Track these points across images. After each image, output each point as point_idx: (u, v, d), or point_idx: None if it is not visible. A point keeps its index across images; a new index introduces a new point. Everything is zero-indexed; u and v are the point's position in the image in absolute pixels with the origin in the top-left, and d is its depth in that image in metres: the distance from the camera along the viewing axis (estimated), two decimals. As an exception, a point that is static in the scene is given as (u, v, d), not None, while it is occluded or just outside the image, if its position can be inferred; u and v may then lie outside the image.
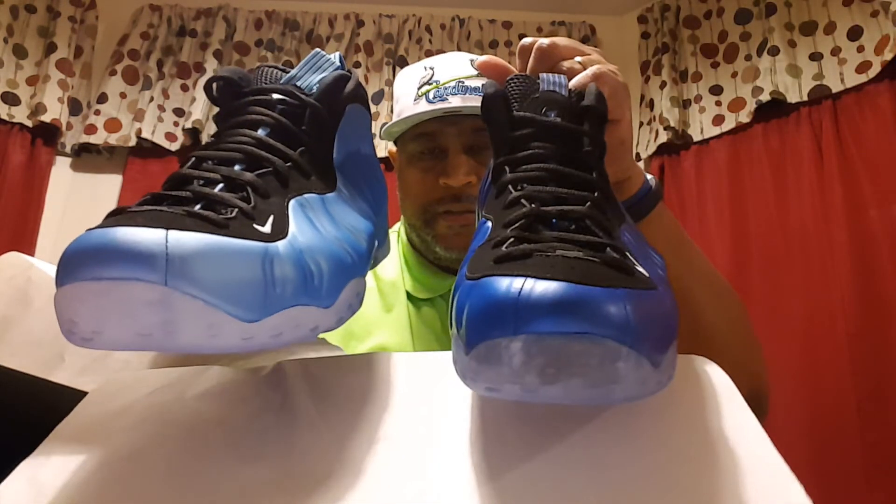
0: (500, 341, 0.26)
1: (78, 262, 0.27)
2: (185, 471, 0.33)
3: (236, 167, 0.34)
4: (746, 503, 0.29)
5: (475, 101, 0.75)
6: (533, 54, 0.47)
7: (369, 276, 0.83)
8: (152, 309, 0.26)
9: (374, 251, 0.41)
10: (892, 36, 1.56)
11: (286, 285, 0.30)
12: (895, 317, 1.46)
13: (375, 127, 1.95)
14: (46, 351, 0.40)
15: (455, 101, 0.75)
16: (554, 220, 0.32)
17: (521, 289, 0.26)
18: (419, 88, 0.78)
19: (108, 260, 0.26)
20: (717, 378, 0.36)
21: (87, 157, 1.93)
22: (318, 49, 0.42)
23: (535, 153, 0.36)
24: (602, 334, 0.26)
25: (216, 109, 0.40)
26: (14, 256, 0.38)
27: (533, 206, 0.33)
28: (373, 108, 1.97)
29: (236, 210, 0.30)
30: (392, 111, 2.04)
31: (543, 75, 0.41)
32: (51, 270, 0.39)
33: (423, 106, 0.76)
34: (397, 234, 0.89)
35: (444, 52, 0.84)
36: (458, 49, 1.98)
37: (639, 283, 0.28)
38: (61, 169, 1.90)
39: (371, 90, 1.99)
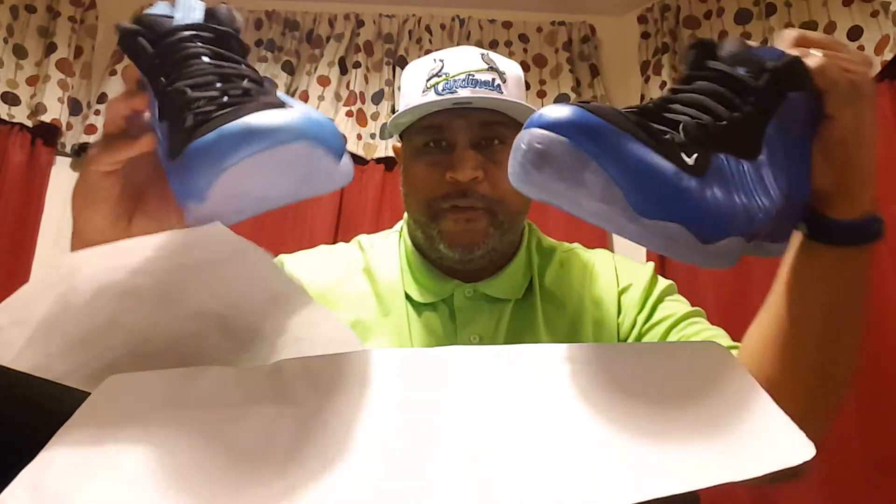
0: (522, 133, 0.37)
1: (235, 146, 0.36)
2: (188, 472, 0.33)
3: (217, 85, 0.42)
4: (754, 452, 0.30)
5: (485, 95, 0.74)
6: (782, 38, 0.47)
7: (364, 280, 0.81)
8: (302, 161, 0.38)
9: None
10: (892, 36, 1.56)
11: (337, 134, 0.41)
12: (895, 317, 1.46)
13: (376, 127, 1.95)
14: (76, 351, 0.41)
15: (464, 94, 0.74)
16: (657, 124, 0.38)
17: (552, 106, 0.36)
18: (428, 80, 0.76)
19: (262, 136, 0.36)
20: (721, 354, 0.37)
21: (87, 157, 1.93)
22: None
23: (698, 86, 0.42)
24: (580, 146, 0.34)
25: None
26: (68, 259, 0.39)
27: (654, 104, 0.40)
28: (373, 108, 1.97)
29: (274, 101, 0.40)
30: (393, 111, 2.04)
31: (765, 47, 0.44)
32: (98, 269, 0.40)
33: (432, 97, 0.75)
34: (399, 233, 0.88)
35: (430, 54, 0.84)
36: (458, 49, 1.97)
37: (663, 150, 0.35)
38: (61, 169, 1.89)
39: (371, 90, 1.99)
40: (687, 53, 0.45)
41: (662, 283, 0.80)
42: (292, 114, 0.38)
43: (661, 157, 0.35)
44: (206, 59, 0.45)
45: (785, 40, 0.47)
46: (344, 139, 0.46)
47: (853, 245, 0.51)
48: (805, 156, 0.44)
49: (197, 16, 0.47)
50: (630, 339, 0.77)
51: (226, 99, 0.40)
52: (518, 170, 0.37)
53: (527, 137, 0.36)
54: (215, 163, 0.37)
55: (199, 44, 0.45)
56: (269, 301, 0.43)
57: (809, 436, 0.33)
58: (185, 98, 0.41)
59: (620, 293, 0.79)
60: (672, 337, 0.73)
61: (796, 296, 0.54)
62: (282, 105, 0.40)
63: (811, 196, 0.47)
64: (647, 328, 0.76)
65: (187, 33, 0.45)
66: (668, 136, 0.36)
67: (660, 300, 0.77)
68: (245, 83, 0.43)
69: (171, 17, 0.47)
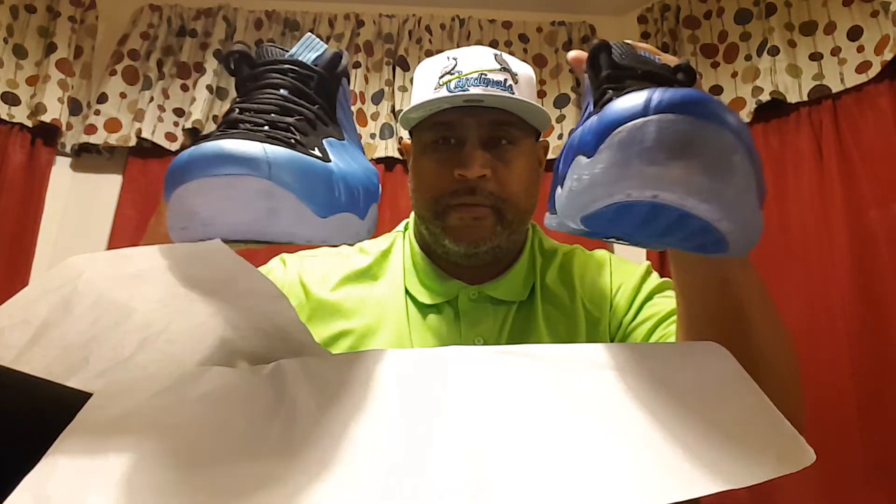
0: (636, 122, 0.33)
1: (197, 165, 0.35)
2: (189, 472, 0.33)
3: (272, 115, 0.42)
4: (755, 459, 0.30)
5: (496, 94, 0.74)
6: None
7: (364, 285, 0.80)
8: (261, 198, 0.35)
9: (379, 191, 0.51)
10: (892, 36, 1.56)
11: (341, 194, 0.40)
12: (895, 317, 1.46)
13: (376, 127, 1.95)
14: (75, 354, 0.41)
15: (476, 93, 0.74)
16: None
17: (654, 92, 0.33)
18: (441, 77, 0.76)
19: (225, 161, 0.35)
20: (723, 357, 0.37)
21: (87, 157, 1.92)
22: (310, 32, 0.52)
23: (635, 86, 0.42)
24: (725, 126, 0.31)
25: (216, 110, 0.47)
26: (71, 263, 0.39)
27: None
28: (373, 108, 1.97)
29: (293, 139, 0.40)
30: (393, 110, 2.03)
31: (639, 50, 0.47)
32: (100, 274, 0.40)
33: (444, 94, 0.75)
34: (402, 233, 0.87)
35: (444, 52, 0.84)
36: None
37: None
38: (61, 169, 1.89)
39: (371, 90, 1.99)
40: (597, 57, 0.47)
41: (653, 281, 0.80)
42: (274, 150, 0.36)
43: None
44: (283, 91, 0.45)
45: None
46: (358, 199, 0.44)
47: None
48: None
49: (310, 56, 0.48)
50: (616, 340, 0.77)
51: (266, 128, 0.41)
52: (646, 169, 0.36)
53: (654, 124, 0.35)
54: (171, 178, 0.37)
55: (287, 77, 0.46)
56: (275, 333, 0.43)
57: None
58: (231, 117, 0.42)
59: (613, 294, 0.79)
60: (654, 336, 0.72)
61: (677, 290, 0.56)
62: (301, 147, 0.39)
63: None
64: (631, 328, 0.76)
65: (281, 66, 0.47)
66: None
67: (648, 298, 0.77)
68: (294, 119, 0.43)
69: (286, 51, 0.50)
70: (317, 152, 0.41)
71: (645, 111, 0.33)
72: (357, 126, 1.94)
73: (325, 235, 0.39)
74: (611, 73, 0.44)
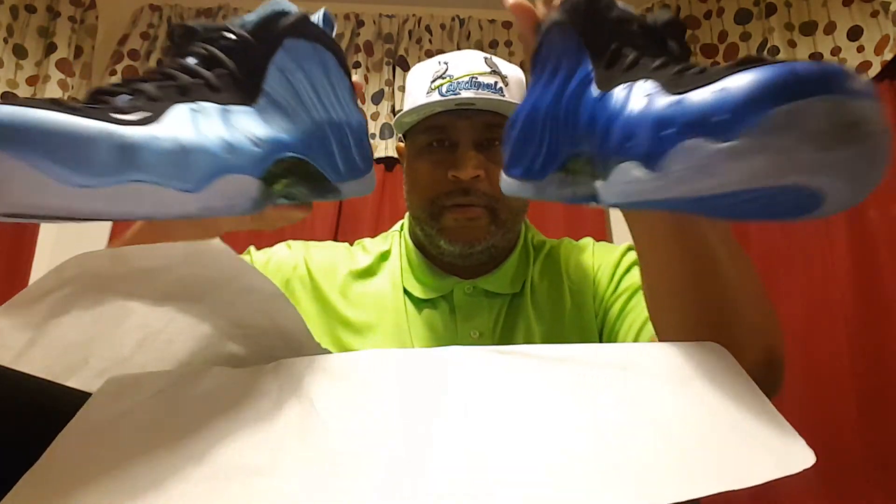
0: (799, 103, 0.28)
1: None
2: (188, 471, 0.33)
3: (146, 83, 0.39)
4: (754, 460, 0.30)
5: (487, 96, 0.76)
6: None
7: (365, 281, 0.83)
8: None
9: (272, 159, 0.44)
10: (892, 36, 1.56)
11: (133, 162, 0.34)
12: (895, 317, 1.46)
13: (376, 127, 1.95)
14: (74, 354, 0.41)
15: (467, 96, 0.75)
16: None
17: (795, 66, 0.28)
18: (432, 82, 0.78)
19: None
20: (721, 356, 0.37)
21: (87, 157, 1.93)
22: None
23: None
24: (878, 104, 0.28)
25: None
26: (69, 263, 0.39)
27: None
28: (373, 108, 1.97)
29: (104, 104, 0.35)
30: (393, 110, 2.03)
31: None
32: (99, 274, 0.40)
33: (436, 98, 0.76)
34: (399, 232, 0.89)
35: (444, 52, 0.84)
36: (458, 49, 1.97)
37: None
38: (61, 169, 1.90)
39: (371, 90, 1.99)
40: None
41: (632, 255, 0.81)
42: (19, 112, 0.31)
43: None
44: (190, 59, 0.42)
45: None
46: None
47: None
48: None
49: (249, 18, 0.45)
50: (598, 316, 0.78)
51: (123, 96, 0.37)
52: (809, 153, 0.31)
53: (824, 106, 0.30)
54: None
55: (207, 47, 0.43)
56: (274, 332, 0.43)
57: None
58: (99, 88, 0.38)
59: (595, 272, 0.82)
60: (632, 303, 0.74)
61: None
62: (106, 111, 0.34)
63: None
64: (612, 300, 0.77)
65: (211, 35, 0.44)
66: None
67: (627, 270, 0.79)
68: (151, 86, 0.38)
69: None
70: (131, 116, 0.35)
71: (802, 90, 0.28)
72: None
73: (100, 207, 0.34)
74: (615, 28, 0.41)
